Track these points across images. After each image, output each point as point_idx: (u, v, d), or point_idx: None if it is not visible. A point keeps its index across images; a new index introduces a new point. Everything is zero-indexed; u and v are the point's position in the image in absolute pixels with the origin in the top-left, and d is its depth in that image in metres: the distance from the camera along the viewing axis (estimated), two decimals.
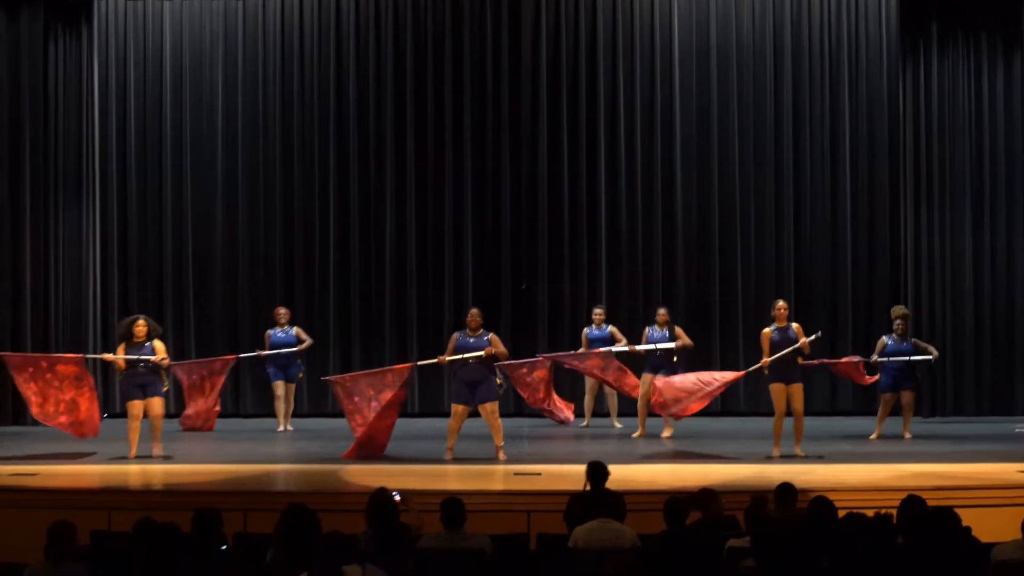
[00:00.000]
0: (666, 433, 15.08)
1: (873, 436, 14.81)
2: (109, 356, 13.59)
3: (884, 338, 15.12)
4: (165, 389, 13.41)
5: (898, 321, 15.07)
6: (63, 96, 17.39)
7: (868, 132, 18.21)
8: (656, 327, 15.42)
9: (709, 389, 13.65)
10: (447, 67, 18.26)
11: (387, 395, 13.27)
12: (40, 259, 17.00)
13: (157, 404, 13.21)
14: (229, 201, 18.21)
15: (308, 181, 18.25)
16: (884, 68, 18.22)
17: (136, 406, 13.19)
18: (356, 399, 13.39)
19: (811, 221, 18.24)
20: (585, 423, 16.19)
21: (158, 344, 13.31)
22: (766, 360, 13.22)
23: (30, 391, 13.40)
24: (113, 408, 17.44)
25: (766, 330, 13.38)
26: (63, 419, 13.40)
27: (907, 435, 14.82)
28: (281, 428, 15.91)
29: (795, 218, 18.23)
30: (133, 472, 12.23)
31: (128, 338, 13.26)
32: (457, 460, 12.81)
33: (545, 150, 18.20)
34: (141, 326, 13.27)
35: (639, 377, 15.35)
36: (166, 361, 13.36)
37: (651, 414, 15.17)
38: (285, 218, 18.23)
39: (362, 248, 18.23)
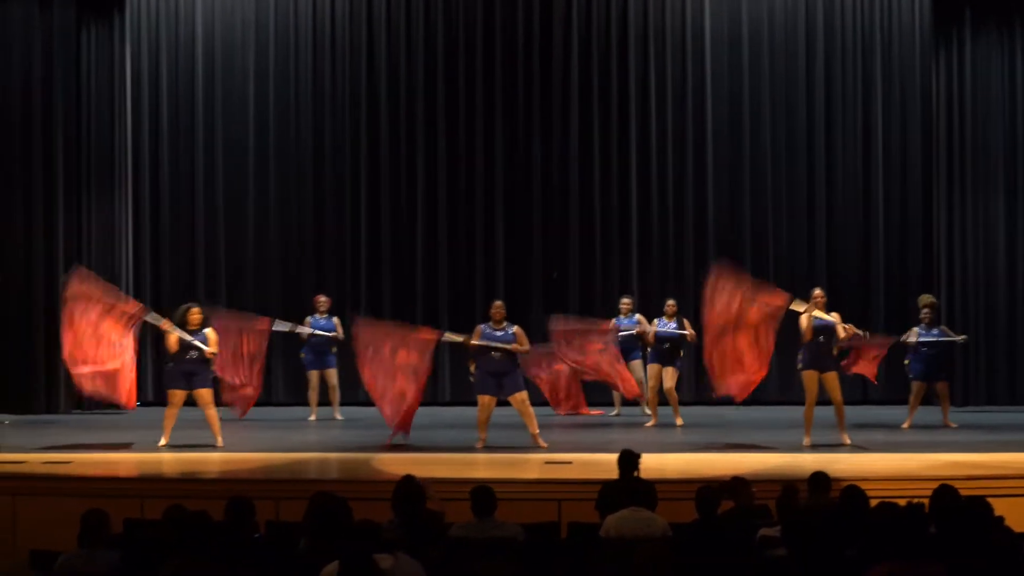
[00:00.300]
0: (679, 422, 15.07)
1: (905, 425, 14.76)
2: (167, 324, 13.27)
3: (915, 329, 15.08)
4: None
5: (925, 310, 15.02)
6: (95, 86, 17.43)
7: (901, 118, 18.15)
8: (665, 318, 15.40)
9: (760, 350, 13.37)
10: (478, 52, 18.29)
11: (404, 357, 13.11)
12: (72, 249, 17.05)
13: (206, 395, 13.19)
14: (261, 190, 18.27)
15: (339, 170, 18.30)
16: (917, 54, 18.15)
17: (178, 395, 13.16)
18: (370, 351, 13.25)
19: (843, 208, 18.20)
20: (616, 412, 16.18)
21: (211, 334, 13.27)
22: (809, 314, 13.12)
23: (72, 331, 13.20)
24: (146, 396, 17.53)
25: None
26: (88, 368, 13.20)
27: (951, 424, 14.80)
28: (312, 417, 15.94)
29: (827, 205, 18.19)
30: (166, 460, 12.28)
31: (182, 325, 13.20)
32: (488, 449, 12.80)
33: (576, 138, 18.22)
34: (196, 313, 13.23)
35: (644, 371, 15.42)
36: (216, 356, 13.34)
37: (661, 403, 15.34)
38: (316, 206, 18.29)
39: (393, 234, 18.27)
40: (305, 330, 16.02)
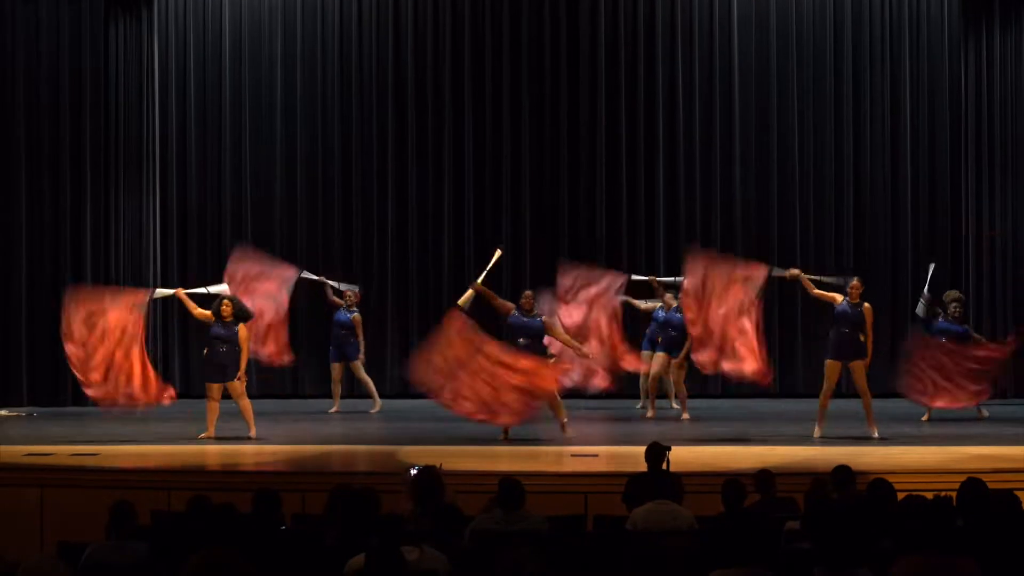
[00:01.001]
0: (685, 416, 15.02)
1: (924, 417, 14.67)
2: (182, 292, 13.81)
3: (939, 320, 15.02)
4: (240, 374, 13.32)
5: (954, 304, 14.90)
6: (124, 76, 17.51)
7: (929, 110, 18.07)
8: (665, 309, 15.36)
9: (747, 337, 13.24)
10: (504, 37, 18.29)
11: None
12: (100, 238, 17.12)
13: (238, 386, 13.24)
14: (288, 178, 18.32)
15: (367, 155, 18.35)
16: (946, 45, 18.06)
17: (215, 388, 13.27)
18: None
19: (871, 197, 18.14)
20: (641, 404, 16.12)
21: (242, 331, 13.32)
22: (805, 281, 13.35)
23: (76, 348, 13.29)
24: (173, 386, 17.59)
25: (839, 295, 13.32)
26: (102, 390, 13.28)
27: (984, 413, 14.80)
28: (334, 409, 15.96)
29: (855, 195, 18.13)
30: (193, 452, 12.32)
31: (217, 315, 13.35)
32: (512, 441, 12.78)
33: (603, 124, 18.21)
34: (227, 306, 13.36)
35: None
36: (244, 354, 13.30)
37: (660, 395, 15.39)
38: (344, 193, 18.33)
39: (420, 220, 18.28)
40: (331, 283, 16.11)
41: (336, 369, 16.11)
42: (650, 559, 7.03)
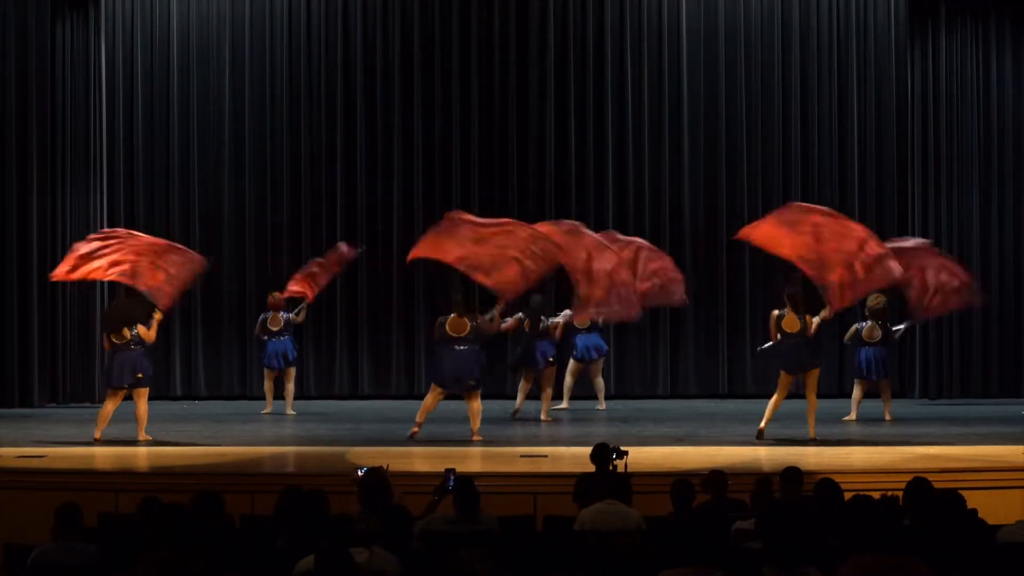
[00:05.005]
0: (544, 417, 14.95)
1: (848, 417, 14.73)
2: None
3: (857, 325, 15.12)
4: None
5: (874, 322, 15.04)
6: (70, 78, 17.36)
7: (876, 114, 18.19)
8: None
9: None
10: (454, 46, 18.25)
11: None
12: (47, 240, 16.96)
13: (143, 392, 13.09)
14: (236, 182, 18.23)
15: (315, 160, 18.27)
16: (892, 50, 18.19)
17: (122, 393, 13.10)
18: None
19: (818, 203, 18.20)
20: (564, 405, 15.95)
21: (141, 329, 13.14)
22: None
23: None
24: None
25: (775, 312, 13.26)
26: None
27: (888, 417, 14.81)
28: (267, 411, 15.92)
29: (803, 201, 18.19)
30: (140, 454, 12.24)
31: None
32: (462, 443, 12.79)
33: (552, 134, 18.21)
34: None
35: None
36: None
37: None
38: (292, 198, 18.24)
39: (369, 229, 18.22)
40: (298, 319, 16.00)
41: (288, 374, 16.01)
42: (599, 559, 7.05)
